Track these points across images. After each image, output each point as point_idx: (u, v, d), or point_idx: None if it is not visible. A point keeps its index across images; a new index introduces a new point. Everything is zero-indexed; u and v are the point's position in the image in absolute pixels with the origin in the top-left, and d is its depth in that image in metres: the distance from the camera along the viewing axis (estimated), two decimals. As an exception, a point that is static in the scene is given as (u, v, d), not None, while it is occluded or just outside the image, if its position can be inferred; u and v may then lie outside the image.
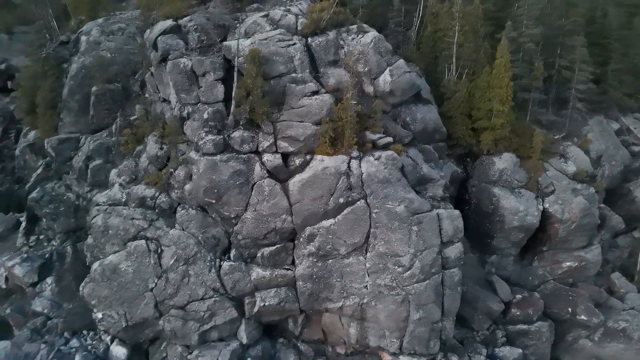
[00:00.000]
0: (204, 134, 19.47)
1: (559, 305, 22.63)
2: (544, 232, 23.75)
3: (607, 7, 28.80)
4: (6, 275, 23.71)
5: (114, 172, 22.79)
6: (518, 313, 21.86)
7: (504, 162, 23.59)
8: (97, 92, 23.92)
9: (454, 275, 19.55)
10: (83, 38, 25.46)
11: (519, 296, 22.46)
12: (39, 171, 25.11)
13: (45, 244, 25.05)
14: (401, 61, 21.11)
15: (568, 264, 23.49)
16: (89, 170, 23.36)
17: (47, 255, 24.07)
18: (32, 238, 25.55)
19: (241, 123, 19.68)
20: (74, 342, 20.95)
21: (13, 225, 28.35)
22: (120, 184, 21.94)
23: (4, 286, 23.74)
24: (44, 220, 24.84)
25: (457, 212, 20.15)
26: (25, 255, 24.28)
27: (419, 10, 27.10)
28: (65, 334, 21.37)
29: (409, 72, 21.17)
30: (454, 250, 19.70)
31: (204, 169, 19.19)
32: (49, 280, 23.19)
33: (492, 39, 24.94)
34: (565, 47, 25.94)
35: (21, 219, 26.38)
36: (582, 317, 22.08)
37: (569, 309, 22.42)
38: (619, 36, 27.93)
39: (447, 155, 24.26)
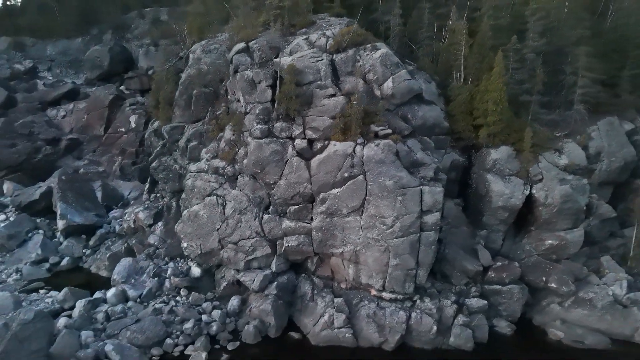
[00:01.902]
0: (255, 124, 27.79)
1: (535, 274, 26.95)
2: (532, 213, 28.00)
3: (631, 16, 31.02)
4: (134, 218, 34.71)
5: (203, 150, 32.01)
6: (493, 275, 26.68)
7: (498, 153, 28.31)
8: (196, 94, 33.50)
9: (430, 237, 25.24)
10: (190, 55, 35.48)
11: (499, 263, 27.20)
12: (157, 149, 35.61)
13: (160, 200, 35.73)
14: (403, 71, 27.23)
15: (550, 241, 27.40)
16: (188, 149, 32.95)
17: (159, 207, 34.54)
18: (152, 195, 36.55)
19: (281, 117, 27.63)
20: (170, 264, 30.68)
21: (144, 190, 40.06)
22: (206, 159, 31.19)
23: (132, 225, 34.74)
24: (159, 183, 35.57)
25: (439, 189, 25.64)
26: (147, 206, 35.21)
27: (447, 26, 32.57)
28: (166, 259, 31.25)
29: (409, 79, 27.22)
30: (432, 218, 25.36)
31: (253, 149, 27.50)
32: (160, 223, 33.37)
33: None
34: (573, 56, 29.41)
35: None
36: (553, 285, 26.21)
37: (543, 278, 26.64)
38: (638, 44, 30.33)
39: (452, 147, 29.68)
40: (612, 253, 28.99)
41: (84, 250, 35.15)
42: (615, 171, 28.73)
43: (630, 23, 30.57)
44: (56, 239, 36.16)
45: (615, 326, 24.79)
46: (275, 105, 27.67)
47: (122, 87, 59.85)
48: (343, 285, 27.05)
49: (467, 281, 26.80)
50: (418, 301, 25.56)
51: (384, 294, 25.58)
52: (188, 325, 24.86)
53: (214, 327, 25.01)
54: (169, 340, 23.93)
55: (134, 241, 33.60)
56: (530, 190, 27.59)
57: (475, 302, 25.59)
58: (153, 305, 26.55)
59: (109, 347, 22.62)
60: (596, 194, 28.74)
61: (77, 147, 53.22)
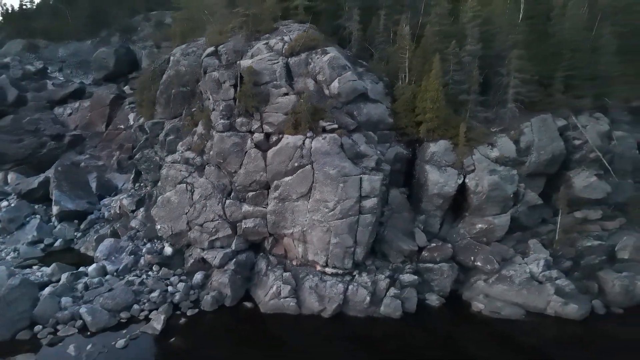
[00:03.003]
0: (219, 119, 31.39)
1: (465, 255, 29.99)
2: (466, 201, 31.11)
3: (566, 23, 33.78)
4: (119, 205, 38.58)
5: (180, 144, 35.70)
6: (427, 255, 29.83)
7: (436, 147, 31.40)
8: (174, 93, 37.22)
9: (367, 219, 28.52)
10: (171, 58, 39.22)
11: (433, 244, 30.38)
12: (141, 142, 39.49)
13: (143, 188, 39.59)
14: (349, 73, 30.54)
15: (480, 225, 30.43)
16: (166, 142, 36.67)
17: (142, 195, 38.44)
18: (137, 184, 40.43)
19: (241, 113, 31.17)
20: (148, 244, 34.45)
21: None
22: (181, 151, 34.93)
23: (118, 211, 38.60)
24: (142, 173, 39.40)
25: (377, 177, 28.90)
26: (131, 193, 39.12)
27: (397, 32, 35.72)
28: (144, 240, 34.96)
29: (354, 80, 30.52)
30: (370, 203, 28.61)
31: (216, 141, 31.10)
32: (141, 209, 37.00)
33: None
34: (508, 59, 32.37)
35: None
36: (479, 263, 29.29)
37: (472, 258, 29.73)
38: (574, 47, 33.15)
39: (397, 141, 32.86)
40: (542, 237, 31.80)
41: (75, 233, 39.06)
42: (543, 163, 31.47)
43: (565, 28, 33.35)
44: (51, 223, 40.19)
45: (530, 300, 27.76)
46: (237, 102, 31.21)
47: (127, 87, 63.91)
48: (294, 262, 30.42)
49: (404, 259, 29.98)
50: (357, 275, 28.83)
51: (327, 269, 28.93)
52: (154, 294, 28.50)
53: (177, 297, 28.61)
54: (136, 306, 27.59)
55: (118, 225, 37.41)
56: (463, 180, 30.65)
57: (407, 277, 28.75)
58: (127, 278, 30.25)
59: (82, 310, 26.39)
60: (527, 184, 31.61)
61: (79, 142, 57.51)
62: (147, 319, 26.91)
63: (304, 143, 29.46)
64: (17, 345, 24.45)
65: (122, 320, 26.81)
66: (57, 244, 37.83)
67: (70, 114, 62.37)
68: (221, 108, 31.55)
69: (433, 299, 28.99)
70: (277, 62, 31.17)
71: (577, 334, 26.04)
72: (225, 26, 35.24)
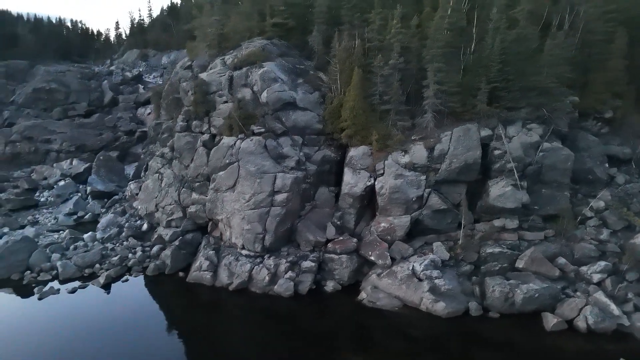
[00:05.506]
0: (179, 121, 38.41)
1: (366, 250, 33.17)
2: (376, 202, 34.14)
3: (496, 37, 34.51)
4: (130, 189, 47.71)
5: (170, 141, 43.67)
6: (330, 246, 33.64)
7: (355, 151, 34.84)
8: (170, 99, 45.32)
9: (277, 211, 33.30)
10: (174, 70, 47.30)
11: (340, 238, 33.99)
12: (148, 139, 48.21)
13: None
14: (277, 85, 35.45)
15: (383, 225, 33.27)
16: (161, 140, 44.89)
17: (145, 181, 47.20)
18: (146, 173, 49.42)
19: (195, 117, 37.77)
20: (139, 221, 42.81)
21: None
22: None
23: (129, 194, 47.75)
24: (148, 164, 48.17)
25: (290, 175, 33.56)
26: (139, 180, 48.15)
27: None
28: (137, 217, 43.52)
29: (280, 91, 35.34)
30: (281, 197, 33.38)
31: (176, 139, 38.16)
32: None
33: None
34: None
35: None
36: (372, 258, 32.36)
37: (369, 253, 32.85)
38: (503, 59, 33.99)
39: (328, 145, 36.83)
40: (458, 241, 33.51)
41: (102, 209, 49.11)
42: (455, 170, 32.82)
43: (496, 42, 34.18)
44: (87, 200, 50.84)
45: (408, 294, 30.17)
46: (192, 108, 37.93)
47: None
48: (226, 244, 36.25)
49: (312, 249, 34.11)
50: (266, 258, 33.76)
51: (243, 251, 34.28)
52: (115, 258, 36.42)
53: (131, 262, 36.20)
54: (97, 265, 35.76)
55: (126, 204, 46.55)
56: (373, 182, 33.76)
57: (307, 264, 32.84)
58: (105, 245, 38.74)
59: (58, 263, 35.21)
60: (445, 190, 33.39)
61: (146, 137, 68.92)
62: (100, 274, 34.80)
63: (235, 144, 35.11)
64: (8, 282, 33.85)
65: (84, 274, 35.06)
66: (87, 216, 47.87)
67: (149, 114, 74.80)
68: (182, 112, 38.49)
69: (330, 286, 32.72)
70: (224, 75, 37.18)
71: (432, 329, 27.97)
72: (203, 44, 42.18)
